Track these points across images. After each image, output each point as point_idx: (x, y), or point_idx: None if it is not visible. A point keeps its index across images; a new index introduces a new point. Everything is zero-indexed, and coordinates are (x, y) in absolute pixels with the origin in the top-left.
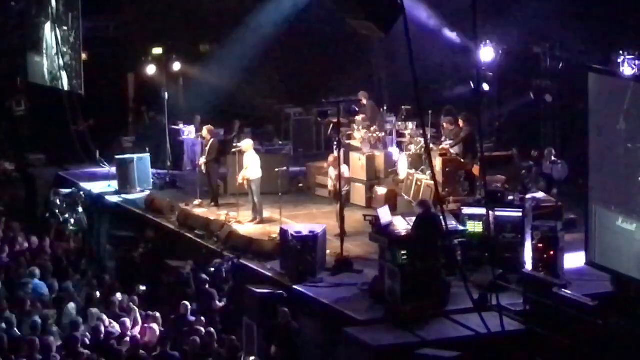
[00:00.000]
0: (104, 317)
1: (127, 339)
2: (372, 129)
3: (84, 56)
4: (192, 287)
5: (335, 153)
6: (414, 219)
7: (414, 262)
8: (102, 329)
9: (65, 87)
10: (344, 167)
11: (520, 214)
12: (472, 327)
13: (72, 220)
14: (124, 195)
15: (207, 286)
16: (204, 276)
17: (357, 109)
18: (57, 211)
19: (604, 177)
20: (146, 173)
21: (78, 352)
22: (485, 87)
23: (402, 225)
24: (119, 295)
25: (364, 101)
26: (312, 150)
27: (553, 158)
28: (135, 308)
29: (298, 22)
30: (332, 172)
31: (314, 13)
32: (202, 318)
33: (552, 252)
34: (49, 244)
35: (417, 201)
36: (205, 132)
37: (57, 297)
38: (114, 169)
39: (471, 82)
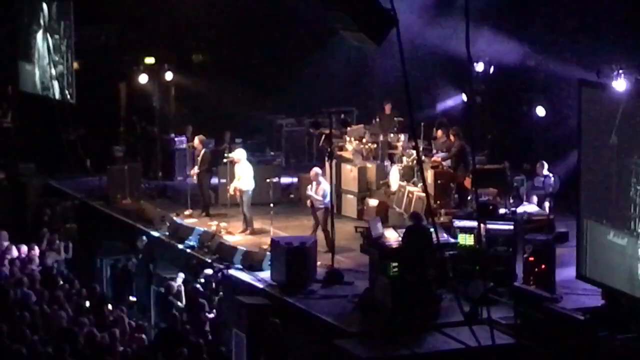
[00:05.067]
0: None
1: (117, 349)
2: (363, 140)
3: (75, 65)
4: (182, 298)
5: (326, 166)
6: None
7: (404, 275)
8: (90, 339)
9: (57, 96)
10: (324, 184)
11: (511, 227)
12: (463, 340)
13: (63, 230)
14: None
15: (197, 297)
16: (196, 286)
17: (349, 120)
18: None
19: (595, 192)
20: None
21: None
22: (478, 99)
23: (394, 237)
24: (109, 306)
25: (388, 110)
26: (304, 161)
27: (545, 172)
28: (125, 318)
29: (289, 31)
30: (312, 186)
31: (306, 22)
32: (192, 329)
33: (543, 266)
34: (38, 253)
35: (409, 213)
36: (196, 142)
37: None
38: (104, 179)
39: (464, 95)
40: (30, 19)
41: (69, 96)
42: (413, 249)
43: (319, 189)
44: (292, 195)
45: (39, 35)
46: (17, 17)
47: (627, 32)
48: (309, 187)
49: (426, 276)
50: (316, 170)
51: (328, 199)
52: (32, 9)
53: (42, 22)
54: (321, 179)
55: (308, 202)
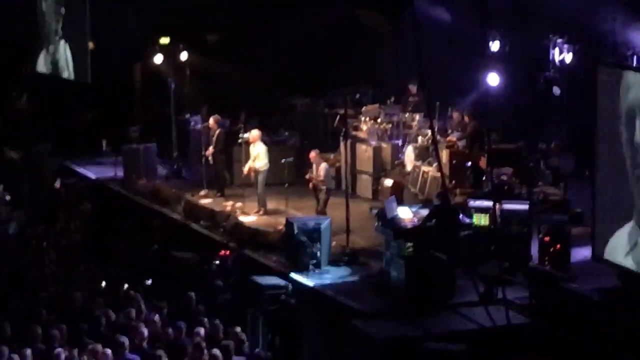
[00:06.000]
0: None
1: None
2: (378, 120)
3: (90, 45)
4: (198, 279)
5: (341, 146)
6: (420, 211)
7: (424, 252)
8: (106, 319)
9: (72, 77)
10: (324, 165)
11: (527, 207)
12: (478, 320)
13: (79, 211)
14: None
15: (213, 277)
16: (212, 267)
17: (364, 100)
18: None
19: (611, 172)
20: (152, 163)
21: (84, 342)
22: (494, 79)
23: (408, 217)
24: (124, 286)
25: (412, 89)
26: (319, 141)
27: (560, 151)
28: (140, 299)
29: (305, 11)
30: (312, 169)
31: (322, 3)
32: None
33: (558, 246)
34: (53, 234)
35: (436, 193)
36: (211, 122)
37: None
38: (120, 159)
39: (480, 75)
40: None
41: (84, 77)
42: (438, 228)
43: (320, 169)
44: (307, 176)
45: (54, 16)
46: None
47: None
48: (310, 169)
49: (445, 255)
50: (316, 151)
51: (329, 179)
52: None
53: (57, 2)
54: (321, 160)
55: (310, 184)
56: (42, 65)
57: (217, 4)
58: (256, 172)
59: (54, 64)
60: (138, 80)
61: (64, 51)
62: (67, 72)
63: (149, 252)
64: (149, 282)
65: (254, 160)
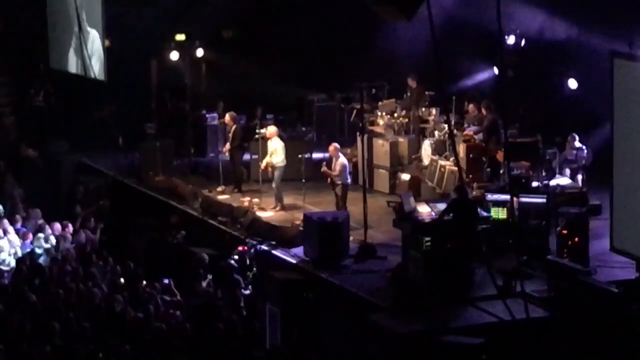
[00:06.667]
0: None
1: (151, 325)
2: (395, 114)
3: (106, 43)
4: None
5: (358, 141)
6: (438, 205)
7: (442, 246)
8: (126, 316)
9: (89, 74)
10: (342, 159)
11: (544, 200)
12: (496, 314)
13: (97, 207)
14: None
15: (232, 273)
16: (230, 262)
17: (380, 95)
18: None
19: (628, 164)
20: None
21: (103, 338)
22: (510, 73)
23: (426, 211)
24: (142, 282)
25: (411, 83)
26: (336, 136)
27: (577, 144)
28: (157, 295)
29: (320, 6)
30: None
31: None
32: (226, 305)
33: (577, 239)
34: (71, 231)
35: (454, 187)
36: (227, 118)
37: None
38: (137, 155)
39: (495, 68)
40: None
41: (100, 74)
42: (457, 221)
43: (337, 164)
44: (322, 169)
45: (70, 12)
46: None
47: None
48: (325, 163)
49: (463, 249)
50: (335, 145)
51: (346, 175)
52: None
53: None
54: (340, 154)
55: (329, 179)
56: (58, 62)
57: (232, 0)
58: (273, 167)
59: (71, 61)
60: (154, 77)
61: (81, 48)
62: (84, 69)
63: (168, 249)
64: (166, 281)
65: (270, 156)
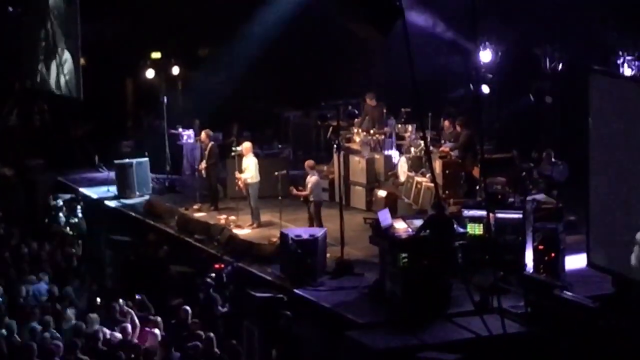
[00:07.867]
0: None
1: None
2: (371, 132)
3: (82, 61)
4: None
5: (334, 158)
6: (414, 221)
7: (419, 262)
8: (102, 335)
9: (64, 92)
10: (314, 177)
11: (520, 216)
12: (474, 330)
13: (71, 226)
14: (123, 200)
15: (209, 290)
16: (208, 281)
17: (356, 112)
18: (58, 215)
19: (604, 179)
20: (145, 177)
21: (78, 358)
22: (485, 89)
23: (403, 228)
24: (120, 301)
25: (370, 102)
26: (312, 153)
27: (553, 159)
28: (133, 313)
29: (296, 24)
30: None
31: (313, 15)
32: (202, 323)
33: (552, 254)
34: (48, 250)
35: (432, 204)
36: (203, 136)
37: (56, 303)
38: (113, 174)
39: (470, 84)
40: (37, 16)
41: (76, 92)
42: (433, 237)
43: (309, 181)
44: (300, 188)
45: (46, 31)
46: (24, 14)
47: (634, 18)
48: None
49: (439, 265)
50: (310, 161)
51: (319, 191)
52: (38, 6)
53: (49, 18)
54: (313, 171)
55: (301, 197)
56: (34, 81)
57: (208, 18)
58: (246, 185)
59: (47, 79)
60: (130, 95)
61: (56, 67)
62: (59, 87)
63: (144, 266)
64: (138, 297)
65: (245, 172)
